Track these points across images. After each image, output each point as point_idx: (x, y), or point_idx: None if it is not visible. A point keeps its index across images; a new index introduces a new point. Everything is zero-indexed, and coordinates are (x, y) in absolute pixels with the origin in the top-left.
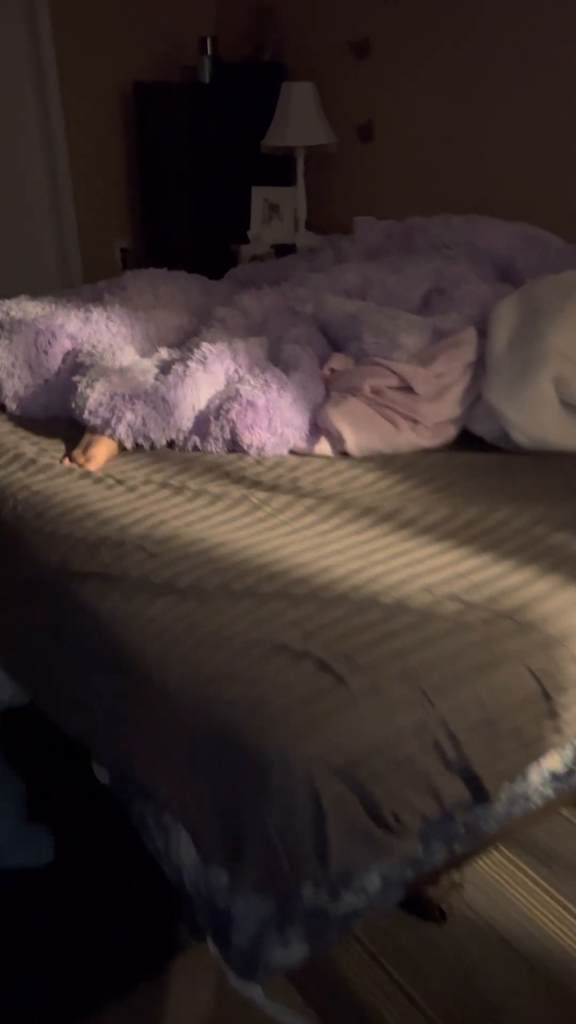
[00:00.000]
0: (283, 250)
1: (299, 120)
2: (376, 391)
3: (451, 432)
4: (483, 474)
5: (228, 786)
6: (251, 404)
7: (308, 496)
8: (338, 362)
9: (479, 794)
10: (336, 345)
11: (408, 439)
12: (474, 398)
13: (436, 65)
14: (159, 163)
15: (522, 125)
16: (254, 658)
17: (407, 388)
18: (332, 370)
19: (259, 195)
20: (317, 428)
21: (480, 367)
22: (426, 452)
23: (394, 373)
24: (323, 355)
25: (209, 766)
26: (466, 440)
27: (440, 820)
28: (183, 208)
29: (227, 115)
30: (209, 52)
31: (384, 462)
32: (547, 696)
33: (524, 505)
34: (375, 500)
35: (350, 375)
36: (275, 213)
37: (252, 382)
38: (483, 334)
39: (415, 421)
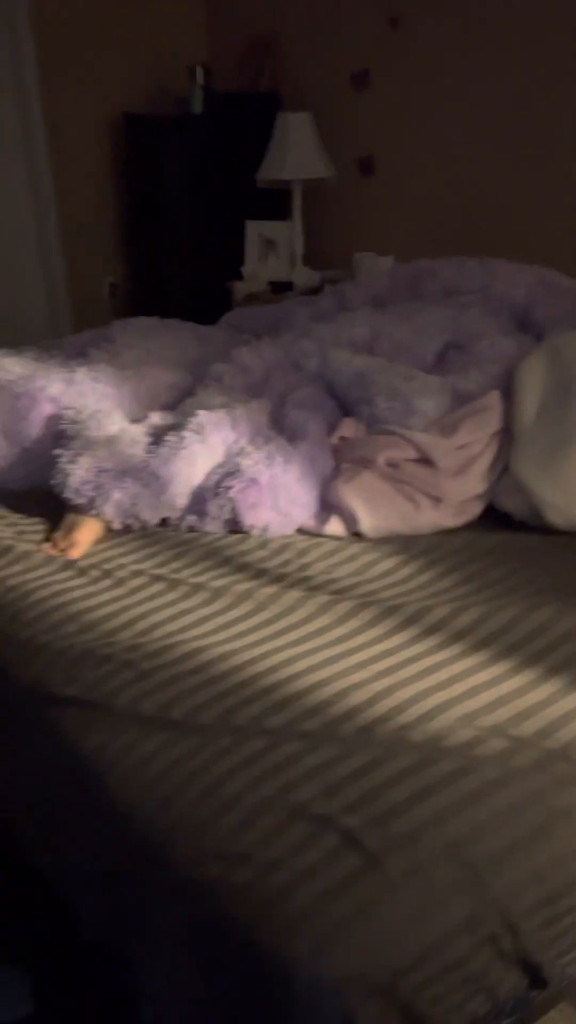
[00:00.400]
0: (280, 287)
1: (296, 152)
2: (392, 464)
3: (476, 510)
4: (515, 561)
5: (239, 995)
6: (253, 481)
7: (320, 590)
8: (348, 429)
9: (537, 981)
10: (345, 407)
11: (429, 519)
12: (500, 471)
13: (439, 97)
14: (150, 196)
15: (530, 159)
16: (267, 827)
17: (426, 461)
18: (342, 439)
19: (254, 230)
20: (327, 504)
21: (506, 436)
22: (449, 532)
23: (412, 444)
24: (332, 420)
25: (215, 966)
26: (490, 515)
27: (491, 1014)
28: (175, 243)
29: (220, 147)
30: (201, 82)
31: (403, 545)
32: None
33: (567, 602)
34: (397, 596)
35: (363, 445)
36: (271, 249)
37: (254, 455)
38: (507, 395)
39: (437, 499)
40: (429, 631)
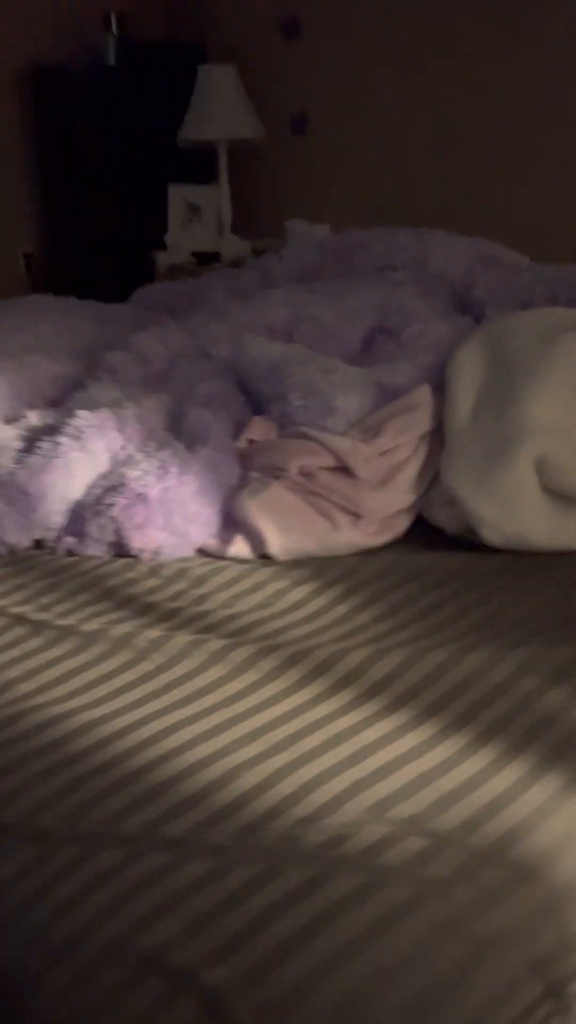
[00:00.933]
0: (206, 259)
1: (221, 109)
2: (306, 473)
3: (402, 525)
4: (446, 588)
5: None
6: (141, 497)
7: (215, 631)
8: (257, 430)
9: None
10: (257, 404)
11: (347, 538)
12: (431, 479)
13: (378, 47)
14: (63, 158)
15: (480, 117)
16: (109, 984)
17: (345, 469)
18: (250, 441)
19: (177, 195)
20: (231, 521)
21: (438, 438)
22: (370, 553)
23: (328, 450)
24: (241, 419)
25: None
26: (419, 529)
27: None
28: (92, 209)
29: (138, 102)
30: (115, 30)
31: (318, 569)
32: (555, 993)
33: (504, 641)
34: (306, 636)
35: (273, 451)
36: (196, 215)
37: (144, 464)
38: (440, 389)
39: (356, 515)
40: (341, 684)
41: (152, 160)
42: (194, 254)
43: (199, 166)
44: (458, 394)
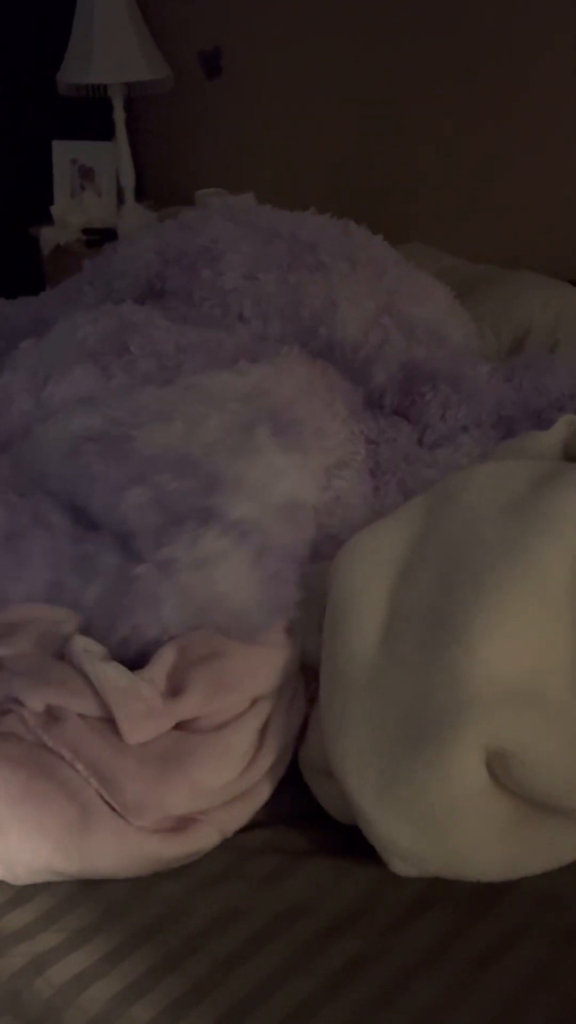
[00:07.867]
0: (102, 236)
1: (110, 45)
2: (54, 716)
3: (236, 821)
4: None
5: None
6: None
7: None
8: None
9: None
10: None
11: (117, 847)
12: (295, 731)
13: None
14: None
15: (448, 55)
16: None
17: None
18: None
19: (64, 154)
20: None
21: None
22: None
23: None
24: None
25: None
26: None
27: None
28: None
29: (9, 37)
30: None
31: (101, 915)
32: None
33: None
34: None
35: (11, 669)
36: (89, 180)
37: None
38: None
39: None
40: None
41: (31, 110)
42: (86, 231)
43: (91, 119)
44: (363, 591)
